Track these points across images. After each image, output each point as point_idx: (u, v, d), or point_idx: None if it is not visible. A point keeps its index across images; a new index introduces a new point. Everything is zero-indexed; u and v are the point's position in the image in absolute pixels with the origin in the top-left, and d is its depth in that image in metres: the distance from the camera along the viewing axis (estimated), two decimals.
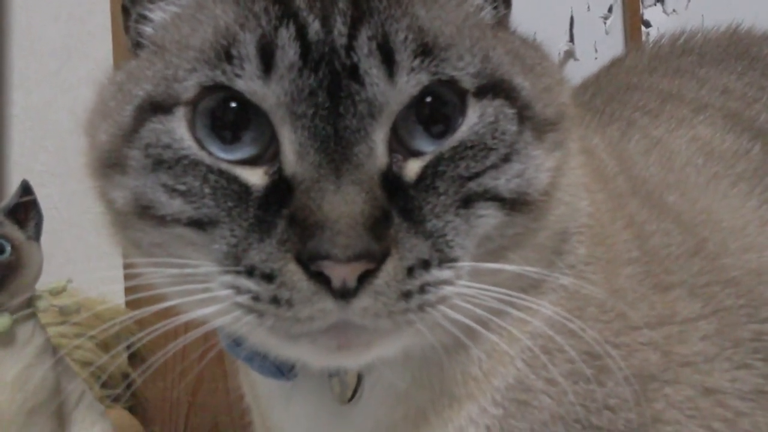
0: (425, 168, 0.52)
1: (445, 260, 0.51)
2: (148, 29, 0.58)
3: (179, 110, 0.52)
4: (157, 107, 0.53)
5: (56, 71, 1.64)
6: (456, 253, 0.51)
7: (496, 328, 0.56)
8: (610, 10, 1.68)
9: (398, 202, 0.50)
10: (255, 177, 0.51)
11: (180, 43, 0.54)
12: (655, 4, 1.68)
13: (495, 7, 0.58)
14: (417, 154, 0.52)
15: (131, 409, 1.43)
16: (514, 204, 0.53)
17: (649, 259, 0.64)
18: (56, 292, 1.05)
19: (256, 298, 0.49)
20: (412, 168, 0.52)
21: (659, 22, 1.66)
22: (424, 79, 0.51)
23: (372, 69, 0.50)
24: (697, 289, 0.63)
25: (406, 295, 0.49)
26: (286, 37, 0.51)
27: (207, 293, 0.51)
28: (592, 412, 0.58)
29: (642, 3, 1.67)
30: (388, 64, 0.50)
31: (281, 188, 0.50)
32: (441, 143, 0.52)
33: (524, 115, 0.54)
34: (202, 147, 0.52)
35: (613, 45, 1.65)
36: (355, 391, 0.60)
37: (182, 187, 0.52)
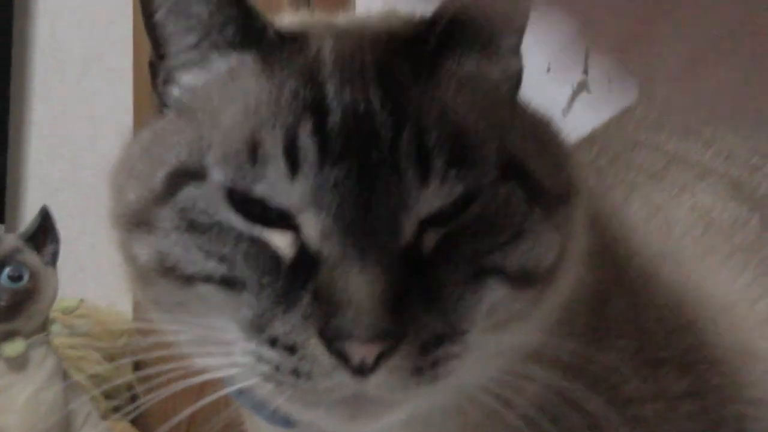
0: (440, 243, 0.54)
1: (456, 334, 0.53)
2: (175, 91, 0.60)
3: (213, 179, 0.54)
4: (191, 175, 0.55)
5: (76, 80, 1.67)
6: (466, 326, 0.54)
7: (494, 394, 0.58)
8: None
9: (415, 279, 0.52)
10: (283, 245, 0.53)
11: (211, 116, 0.56)
12: None
13: (511, 83, 0.61)
14: (431, 226, 0.54)
15: (133, 421, 1.46)
16: (522, 280, 0.56)
17: (642, 332, 0.65)
18: (69, 312, 1.08)
19: (277, 368, 0.51)
20: (428, 243, 0.54)
21: None
22: (457, 190, 0.53)
23: (408, 170, 0.52)
24: (686, 367, 0.64)
25: (419, 370, 0.51)
26: (307, 133, 0.52)
27: (228, 357, 0.54)
28: None
29: None
30: (425, 167, 0.52)
31: (307, 261, 0.52)
32: (455, 219, 0.54)
33: (535, 195, 0.56)
34: (237, 211, 0.54)
35: (627, 79, 1.65)
36: None
37: (215, 251, 0.53)
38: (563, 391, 0.61)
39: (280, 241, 0.53)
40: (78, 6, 1.68)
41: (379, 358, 0.50)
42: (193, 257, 0.54)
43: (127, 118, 1.56)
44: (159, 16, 0.59)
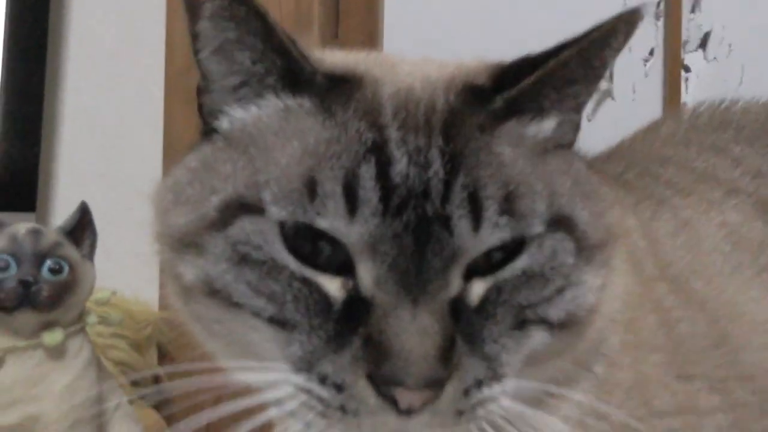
0: (487, 293, 0.55)
1: (495, 379, 0.55)
2: (224, 123, 0.60)
3: (270, 215, 0.55)
4: (247, 208, 0.55)
5: (108, 73, 1.69)
6: (506, 371, 0.56)
7: (529, 420, 0.59)
8: (651, 53, 1.69)
9: (462, 326, 0.54)
10: (334, 287, 0.54)
11: (266, 152, 0.57)
12: (697, 50, 1.69)
13: (568, 136, 0.62)
14: (478, 273, 0.56)
15: (156, 407, 1.49)
16: (562, 326, 0.58)
17: (674, 347, 0.67)
18: (101, 303, 1.11)
19: (327, 405, 0.53)
20: (476, 292, 0.55)
21: (699, 69, 1.68)
22: (507, 236, 0.55)
23: (462, 220, 0.53)
24: (717, 383, 0.66)
25: (461, 413, 0.54)
26: (368, 177, 0.53)
27: (274, 388, 0.56)
28: None
29: (683, 48, 1.68)
30: (476, 216, 0.54)
31: (359, 305, 0.54)
32: (502, 268, 0.56)
33: (581, 245, 0.58)
34: (290, 252, 0.55)
35: (652, 88, 1.67)
36: None
37: (266, 288, 0.55)
38: (595, 408, 0.63)
39: (331, 285, 0.54)
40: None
41: (425, 402, 0.52)
42: (242, 290, 0.55)
43: (158, 112, 1.58)
44: (203, 55, 0.60)
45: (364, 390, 0.52)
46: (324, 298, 0.54)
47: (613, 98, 1.69)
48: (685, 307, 0.70)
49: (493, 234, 0.54)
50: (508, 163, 0.56)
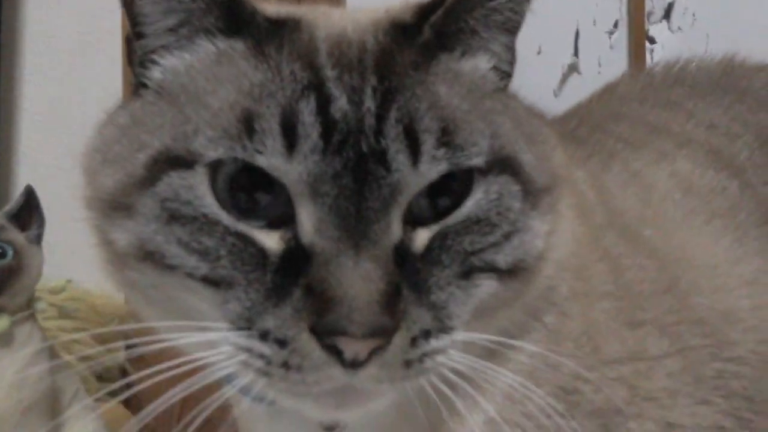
0: (432, 240, 0.54)
1: (443, 330, 0.53)
2: (156, 73, 0.58)
3: (201, 168, 0.53)
4: (175, 161, 0.53)
5: (68, 67, 1.67)
6: (454, 323, 0.54)
7: (480, 374, 0.58)
8: (615, 25, 1.68)
9: (407, 274, 0.52)
10: (271, 241, 0.52)
11: (198, 98, 0.54)
12: (661, 21, 1.69)
13: (501, 74, 0.61)
14: (424, 223, 0.54)
15: (125, 402, 1.46)
16: (510, 273, 0.56)
17: (623, 293, 0.66)
18: (56, 291, 1.09)
19: (268, 362, 0.51)
20: (420, 239, 0.54)
21: (664, 39, 1.67)
22: (444, 168, 0.53)
23: (399, 154, 0.52)
24: (666, 327, 0.65)
25: (408, 363, 0.52)
26: (307, 112, 0.52)
27: (213, 347, 0.53)
28: None
29: (648, 19, 1.68)
30: (413, 150, 0.52)
31: (297, 255, 0.52)
32: (447, 216, 0.54)
33: (527, 189, 0.57)
34: (222, 207, 0.53)
35: (617, 60, 1.66)
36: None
37: (198, 245, 0.52)
38: (545, 356, 0.62)
39: (268, 238, 0.52)
40: None
41: (372, 353, 0.50)
42: (174, 250, 0.53)
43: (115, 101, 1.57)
44: None
45: (307, 343, 0.50)
46: (260, 251, 0.52)
47: (579, 72, 1.68)
48: (635, 254, 0.68)
49: (432, 166, 0.52)
50: (444, 98, 0.55)
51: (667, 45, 1.65)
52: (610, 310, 0.65)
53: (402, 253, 0.52)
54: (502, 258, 0.55)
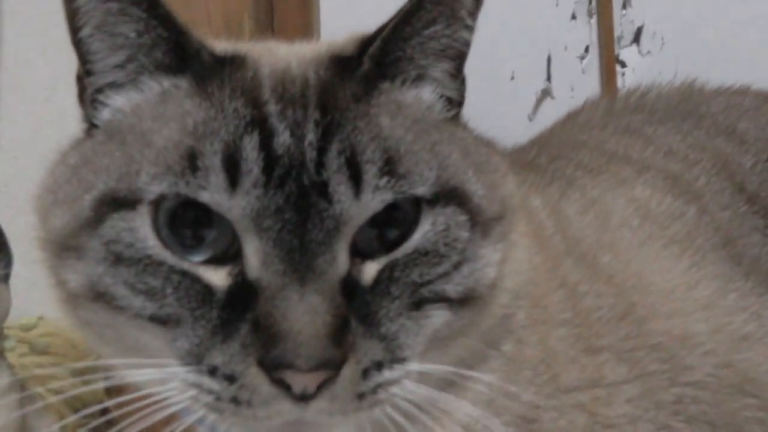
0: (381, 272, 0.54)
1: (396, 361, 0.54)
2: (105, 113, 0.59)
3: (143, 208, 0.53)
4: (119, 203, 0.54)
5: (43, 103, 1.68)
6: (406, 353, 0.54)
7: (437, 405, 0.58)
8: (586, 50, 1.71)
9: (356, 306, 0.53)
10: (218, 278, 0.53)
11: (143, 138, 0.55)
12: (631, 45, 1.71)
13: (448, 104, 0.61)
14: (373, 256, 0.54)
15: None
16: (462, 302, 0.56)
17: (580, 321, 0.67)
18: (27, 329, 1.08)
19: (218, 398, 0.51)
20: (369, 272, 0.54)
21: (635, 63, 1.69)
22: (388, 197, 0.54)
23: (340, 186, 0.52)
24: (624, 354, 0.66)
25: (360, 396, 0.52)
26: (249, 148, 0.52)
27: (165, 384, 0.53)
28: None
29: (618, 44, 1.70)
30: (356, 181, 0.53)
31: (244, 290, 0.52)
32: (396, 249, 0.55)
33: (475, 219, 0.57)
34: (166, 246, 0.53)
35: (589, 84, 1.69)
36: None
37: (144, 286, 0.53)
38: (502, 386, 0.62)
39: (214, 275, 0.53)
40: (43, 29, 1.70)
41: (321, 386, 0.50)
42: (121, 291, 0.53)
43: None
44: (84, 32, 0.58)
45: (255, 377, 0.50)
46: (206, 287, 0.53)
47: (552, 97, 1.70)
48: (592, 280, 0.69)
49: (375, 196, 0.53)
50: (387, 129, 0.55)
51: (637, 68, 1.67)
52: (568, 338, 0.65)
53: (350, 286, 0.53)
54: (452, 288, 0.56)
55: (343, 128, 0.54)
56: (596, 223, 0.76)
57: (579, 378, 0.64)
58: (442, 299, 0.56)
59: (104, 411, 1.54)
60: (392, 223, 0.55)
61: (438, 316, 0.56)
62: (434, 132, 0.59)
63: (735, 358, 0.67)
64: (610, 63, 1.70)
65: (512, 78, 1.71)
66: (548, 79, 1.70)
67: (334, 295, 0.51)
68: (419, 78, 0.60)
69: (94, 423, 1.48)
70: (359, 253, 0.54)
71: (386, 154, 0.54)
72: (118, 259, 0.54)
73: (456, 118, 0.62)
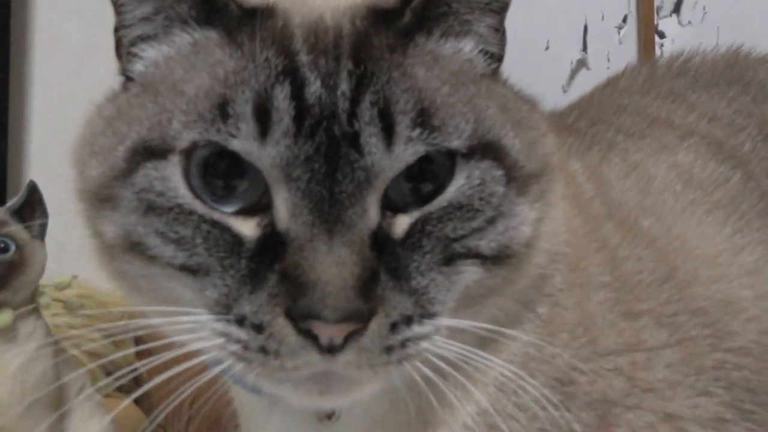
0: (413, 226, 0.53)
1: (426, 315, 0.53)
2: (139, 66, 0.59)
3: (174, 157, 0.53)
4: (151, 152, 0.54)
5: (76, 68, 1.69)
6: (436, 308, 0.53)
7: (470, 363, 0.57)
8: (624, 20, 1.67)
9: (386, 260, 0.52)
10: (247, 228, 0.53)
11: (174, 88, 0.55)
12: (671, 15, 1.67)
13: (488, 59, 0.60)
14: (405, 209, 0.54)
15: (136, 400, 1.47)
16: (496, 259, 0.55)
17: (620, 285, 0.65)
18: (61, 287, 1.09)
19: (245, 347, 0.51)
20: (401, 225, 0.53)
21: (674, 34, 1.65)
22: (420, 149, 0.52)
23: (372, 138, 0.51)
24: (665, 318, 0.64)
25: (388, 350, 0.51)
26: (281, 97, 0.51)
27: (196, 334, 0.54)
28: None
29: (657, 14, 1.66)
30: (388, 132, 0.52)
31: (273, 241, 0.52)
32: (429, 202, 0.54)
33: (511, 174, 0.56)
34: (196, 196, 0.53)
35: (626, 55, 1.65)
36: (334, 412, 0.62)
37: (174, 235, 0.53)
38: (538, 346, 0.61)
39: (244, 225, 0.53)
40: None
41: (348, 338, 0.50)
42: (153, 241, 0.54)
43: None
44: None
45: (283, 328, 0.50)
46: (236, 238, 0.53)
47: (588, 68, 1.66)
48: (632, 244, 0.68)
49: (407, 148, 0.52)
50: (422, 81, 0.54)
51: (677, 39, 1.63)
52: (607, 302, 0.64)
53: (381, 239, 0.52)
54: (486, 244, 0.55)
55: (376, 79, 0.53)
56: (638, 187, 0.74)
57: (617, 342, 0.63)
58: (475, 255, 0.54)
59: (133, 370, 1.56)
60: (426, 176, 0.54)
61: (470, 273, 0.55)
62: (472, 86, 0.57)
63: None
64: (648, 33, 1.66)
65: (547, 48, 1.67)
66: (584, 49, 1.67)
67: (363, 247, 0.51)
68: (461, 32, 0.58)
69: (123, 381, 1.51)
70: (392, 206, 0.53)
71: (420, 105, 0.53)
72: (149, 208, 0.54)
73: (496, 73, 0.61)
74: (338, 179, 0.51)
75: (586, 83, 1.64)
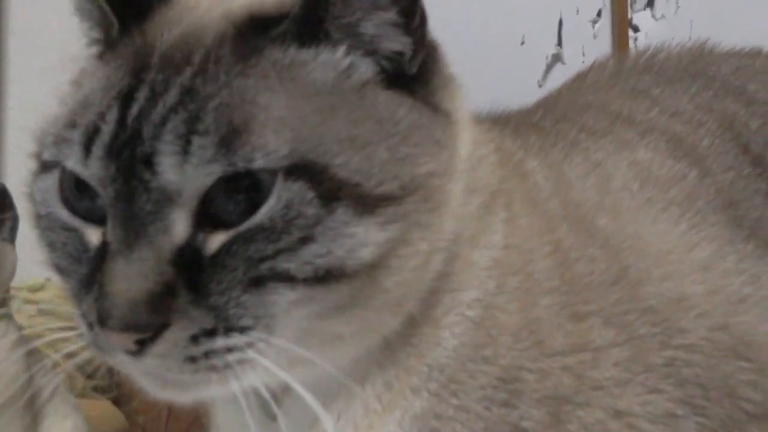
0: (225, 244, 0.54)
1: (233, 329, 0.54)
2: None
3: (55, 171, 0.59)
4: (40, 165, 0.61)
5: (54, 65, 1.67)
6: (245, 323, 0.54)
7: (386, 365, 0.61)
8: (599, 14, 1.68)
9: (190, 276, 0.54)
10: (95, 236, 0.58)
11: (58, 111, 0.61)
12: (645, 9, 1.68)
13: (386, 60, 0.59)
14: (230, 226, 0.55)
15: (115, 401, 1.48)
16: (321, 279, 0.55)
17: (568, 288, 0.66)
18: (34, 289, 1.09)
19: (87, 340, 0.57)
20: (213, 243, 0.54)
21: (648, 27, 1.66)
22: (217, 170, 0.53)
23: (165, 158, 0.53)
24: (613, 318, 0.65)
25: (193, 359, 0.54)
26: (110, 119, 0.56)
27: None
28: None
29: (631, 8, 1.67)
30: (184, 153, 0.53)
31: (104, 250, 0.56)
32: (243, 222, 0.54)
33: (337, 195, 0.54)
34: (64, 205, 0.59)
35: (601, 49, 1.66)
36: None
37: (47, 240, 0.60)
38: (480, 349, 0.62)
39: (93, 234, 0.57)
40: None
41: (143, 345, 0.53)
42: (41, 243, 0.61)
43: None
44: None
45: (99, 330, 0.54)
46: (85, 245, 0.58)
47: (563, 62, 1.67)
48: (585, 245, 0.68)
49: (200, 169, 0.53)
50: (248, 97, 0.54)
51: (650, 33, 1.64)
52: (554, 306, 0.65)
53: (188, 255, 0.54)
54: (297, 267, 0.54)
55: (196, 96, 0.54)
56: (597, 187, 0.75)
57: (564, 343, 0.64)
58: (285, 278, 0.54)
59: (112, 373, 1.56)
60: (241, 198, 0.54)
61: (282, 295, 0.54)
62: (322, 98, 0.56)
63: (731, 321, 0.66)
64: (622, 27, 1.67)
65: (522, 43, 1.68)
66: (559, 44, 1.67)
67: (159, 262, 0.53)
68: (339, 39, 0.58)
69: (102, 382, 1.50)
70: (215, 222, 0.55)
71: (229, 124, 0.53)
72: (37, 215, 0.61)
73: (396, 82, 0.59)
74: (135, 198, 0.54)
75: (561, 78, 1.64)
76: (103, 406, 1.38)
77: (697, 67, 0.95)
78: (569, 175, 0.76)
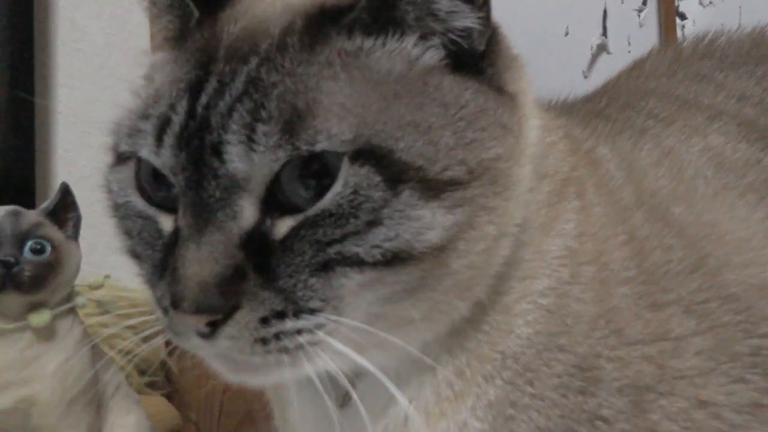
0: (293, 228, 0.55)
1: (302, 311, 0.55)
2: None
3: (131, 162, 0.61)
4: (115, 157, 0.63)
5: (99, 68, 1.70)
6: (313, 305, 0.55)
7: (456, 352, 0.62)
8: (644, 2, 1.65)
9: (259, 260, 0.55)
10: (167, 223, 0.59)
11: (132, 104, 0.62)
12: None
13: (451, 45, 0.59)
14: (296, 211, 0.55)
15: (168, 396, 1.49)
16: (389, 261, 0.55)
17: (646, 278, 0.65)
18: (94, 287, 1.11)
19: (163, 324, 0.59)
20: (282, 227, 0.55)
21: (695, 15, 1.64)
22: (282, 156, 0.54)
23: (232, 146, 0.54)
24: (694, 306, 0.64)
25: (264, 341, 0.55)
26: (180, 110, 0.57)
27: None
28: (582, 424, 0.60)
29: None
30: (250, 140, 0.54)
31: (176, 236, 0.57)
32: (312, 206, 0.55)
33: (402, 178, 0.54)
34: (140, 194, 0.61)
35: (647, 38, 1.63)
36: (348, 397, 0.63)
37: (124, 227, 0.62)
38: (555, 338, 0.62)
39: (167, 221, 0.59)
40: None
41: (215, 327, 0.54)
42: (117, 231, 0.63)
43: None
44: None
45: (174, 314, 0.55)
46: (159, 232, 0.59)
47: (608, 52, 1.65)
48: (662, 234, 0.67)
49: (266, 156, 0.54)
50: (312, 83, 0.55)
51: (698, 20, 1.61)
52: (632, 295, 0.64)
53: (256, 240, 0.55)
54: (365, 251, 0.54)
55: (261, 85, 0.55)
56: (670, 174, 0.73)
57: (643, 332, 0.63)
58: (353, 262, 0.54)
59: (166, 370, 1.57)
60: (311, 182, 0.55)
61: (350, 278, 0.55)
62: (388, 87, 0.56)
63: None
64: (669, 15, 1.64)
65: (566, 34, 1.66)
66: (604, 33, 1.65)
67: (229, 247, 0.54)
68: (408, 29, 0.58)
69: (156, 378, 1.52)
70: (285, 207, 0.55)
71: (294, 110, 0.54)
72: (114, 205, 0.63)
73: (462, 65, 0.59)
74: (204, 186, 0.55)
75: (607, 68, 1.63)
76: (157, 402, 1.39)
77: (760, 51, 0.93)
78: (641, 162, 0.75)
